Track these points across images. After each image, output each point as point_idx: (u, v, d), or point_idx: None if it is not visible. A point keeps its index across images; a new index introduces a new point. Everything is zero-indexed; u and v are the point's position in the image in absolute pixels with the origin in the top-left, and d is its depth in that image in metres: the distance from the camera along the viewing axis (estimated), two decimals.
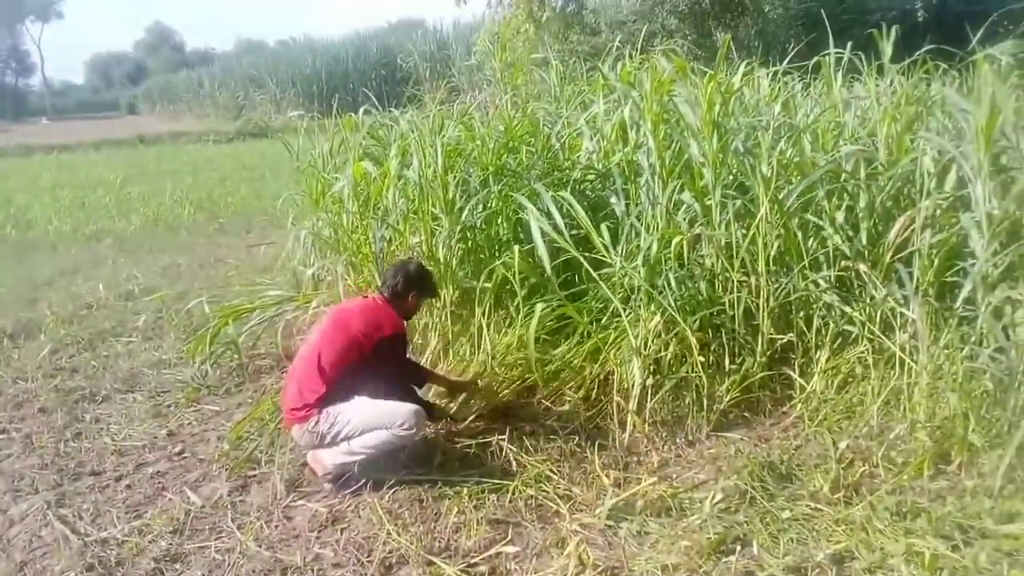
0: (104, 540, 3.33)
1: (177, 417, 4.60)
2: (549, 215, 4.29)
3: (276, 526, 3.37)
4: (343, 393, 3.63)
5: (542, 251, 4.11)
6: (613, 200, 4.71)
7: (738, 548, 2.98)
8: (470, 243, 5.07)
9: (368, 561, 3.06)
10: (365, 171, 5.23)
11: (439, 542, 3.16)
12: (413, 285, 3.93)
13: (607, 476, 3.59)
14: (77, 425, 4.57)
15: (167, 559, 3.16)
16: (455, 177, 4.95)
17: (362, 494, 3.55)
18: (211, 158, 21.33)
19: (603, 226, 4.40)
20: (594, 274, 4.19)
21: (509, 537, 3.19)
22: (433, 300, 4.53)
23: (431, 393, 4.32)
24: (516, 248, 4.33)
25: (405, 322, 4.03)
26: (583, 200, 5.13)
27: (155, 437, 4.34)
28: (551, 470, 3.67)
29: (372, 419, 3.55)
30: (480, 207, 4.98)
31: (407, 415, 3.55)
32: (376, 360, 3.73)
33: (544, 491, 3.50)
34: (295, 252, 6.16)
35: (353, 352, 3.68)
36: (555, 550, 3.10)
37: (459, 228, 4.86)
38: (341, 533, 3.28)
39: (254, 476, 3.81)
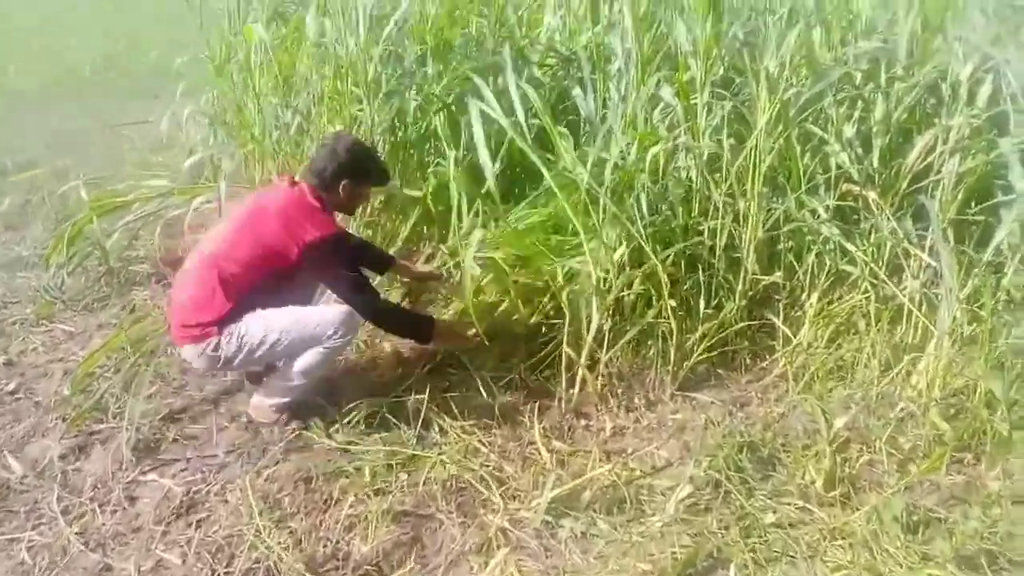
0: None
1: (22, 339, 3.69)
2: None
3: (114, 511, 2.57)
4: (258, 306, 2.84)
5: (485, 160, 3.22)
6: (576, 92, 3.79)
7: (711, 571, 2.32)
8: (398, 136, 4.13)
9: (226, 573, 2.31)
10: (257, 35, 4.13)
11: (325, 546, 2.42)
12: (345, 172, 2.87)
13: (548, 449, 2.89)
14: None
15: None
16: (384, 50, 3.98)
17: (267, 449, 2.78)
18: (122, 5, 19.14)
19: (557, 129, 3.48)
20: (556, 190, 3.24)
21: (419, 536, 2.48)
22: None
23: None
24: (452, 154, 3.43)
25: (340, 216, 3.12)
26: (540, 89, 4.21)
27: None
28: (480, 440, 2.93)
29: (297, 338, 2.82)
30: (413, 91, 4.03)
31: (336, 322, 2.82)
32: (312, 271, 2.90)
33: (470, 469, 2.77)
34: (184, 133, 5.09)
35: (269, 260, 2.79)
36: (476, 558, 2.40)
37: (384, 117, 3.91)
38: (197, 527, 2.50)
39: (98, 433, 2.97)
